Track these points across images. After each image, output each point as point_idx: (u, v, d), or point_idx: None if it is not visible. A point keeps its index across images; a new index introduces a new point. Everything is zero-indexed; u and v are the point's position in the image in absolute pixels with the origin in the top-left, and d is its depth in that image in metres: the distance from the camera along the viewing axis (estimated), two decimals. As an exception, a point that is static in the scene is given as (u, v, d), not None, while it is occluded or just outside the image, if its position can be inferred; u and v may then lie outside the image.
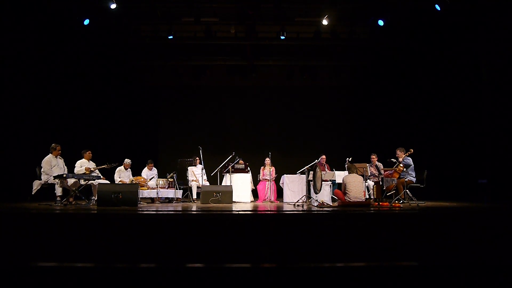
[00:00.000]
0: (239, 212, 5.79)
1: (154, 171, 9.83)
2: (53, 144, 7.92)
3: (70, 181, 7.71)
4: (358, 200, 7.30)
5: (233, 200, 8.79)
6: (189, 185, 9.53)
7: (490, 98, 9.08)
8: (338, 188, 8.49)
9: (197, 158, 9.82)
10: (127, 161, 9.31)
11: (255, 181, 10.20)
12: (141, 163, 9.94)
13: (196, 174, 9.76)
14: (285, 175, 9.60)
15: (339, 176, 8.82)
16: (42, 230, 4.93)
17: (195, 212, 6.01)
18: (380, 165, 8.93)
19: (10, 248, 4.44)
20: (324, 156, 9.66)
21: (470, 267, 3.71)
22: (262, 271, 3.31)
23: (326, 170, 9.31)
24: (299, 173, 9.24)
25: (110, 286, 3.50)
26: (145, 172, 9.66)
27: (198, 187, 9.51)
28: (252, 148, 12.69)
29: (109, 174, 8.97)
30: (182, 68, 12.66)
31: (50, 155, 7.83)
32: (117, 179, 9.05)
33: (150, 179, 9.33)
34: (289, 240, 4.78)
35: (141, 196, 8.44)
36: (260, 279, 3.23)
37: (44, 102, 10.06)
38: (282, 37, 10.60)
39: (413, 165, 8.20)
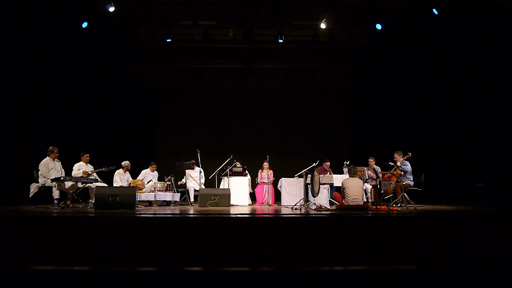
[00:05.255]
0: (237, 216, 5.78)
1: (155, 173, 9.80)
2: (50, 147, 7.91)
3: (68, 184, 7.69)
4: (356, 203, 7.30)
5: (231, 203, 8.77)
6: (187, 188, 9.52)
7: (488, 102, 9.11)
8: (337, 191, 8.48)
9: (193, 161, 9.79)
10: (126, 163, 9.28)
11: (253, 184, 10.19)
12: (139, 166, 9.93)
13: (194, 177, 9.74)
14: (283, 178, 9.58)
15: (337, 179, 8.81)
16: (39, 233, 4.91)
17: (192, 216, 6.00)
18: (378, 168, 8.94)
19: (7, 251, 4.42)
20: (328, 162, 9.60)
21: (468, 271, 3.71)
22: (260, 275, 3.30)
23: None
24: (297, 176, 9.23)
25: (107, 289, 3.48)
26: (145, 173, 9.63)
27: (195, 190, 9.49)
28: (250, 151, 12.69)
29: (107, 177, 8.95)
30: (180, 71, 12.67)
31: (47, 158, 7.82)
32: (118, 181, 9.01)
33: (149, 182, 9.30)
34: (287, 244, 4.77)
35: (138, 199, 8.42)
36: (258, 283, 3.22)
37: (42, 104, 10.04)
38: (280, 41, 10.62)
39: (411, 169, 8.21)
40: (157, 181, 9.46)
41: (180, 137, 13.44)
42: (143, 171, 9.70)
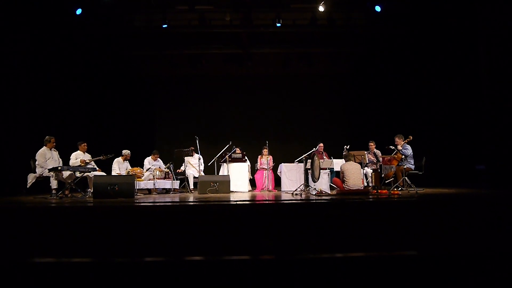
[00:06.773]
0: (237, 202, 5.74)
1: (159, 161, 9.73)
2: (47, 137, 7.82)
3: (66, 173, 7.63)
4: (357, 188, 7.27)
5: (231, 189, 8.75)
6: (186, 175, 9.47)
7: (488, 83, 9.02)
8: (337, 176, 8.45)
9: (192, 148, 9.72)
10: (126, 151, 9.20)
11: (253, 170, 10.15)
12: (138, 154, 9.87)
13: (193, 165, 9.69)
14: (282, 164, 9.54)
15: (337, 164, 8.78)
16: (37, 224, 4.87)
17: (192, 203, 5.97)
18: (378, 152, 8.89)
19: (4, 244, 4.38)
20: (321, 144, 9.60)
21: (470, 255, 3.68)
22: (261, 263, 3.26)
23: (324, 158, 9.26)
24: (297, 161, 9.19)
25: (107, 281, 3.44)
26: (148, 161, 9.57)
27: (195, 177, 9.45)
28: (249, 137, 12.63)
29: (105, 165, 8.88)
30: (177, 58, 12.52)
31: (44, 147, 7.73)
32: (116, 170, 8.95)
33: (147, 170, 9.25)
34: (288, 230, 4.73)
35: (137, 188, 8.39)
36: (259, 272, 3.19)
37: (37, 94, 9.92)
38: (278, 24, 10.46)
39: (412, 153, 8.16)
40: (163, 168, 9.37)
41: (178, 124, 13.36)
42: (146, 160, 9.62)
